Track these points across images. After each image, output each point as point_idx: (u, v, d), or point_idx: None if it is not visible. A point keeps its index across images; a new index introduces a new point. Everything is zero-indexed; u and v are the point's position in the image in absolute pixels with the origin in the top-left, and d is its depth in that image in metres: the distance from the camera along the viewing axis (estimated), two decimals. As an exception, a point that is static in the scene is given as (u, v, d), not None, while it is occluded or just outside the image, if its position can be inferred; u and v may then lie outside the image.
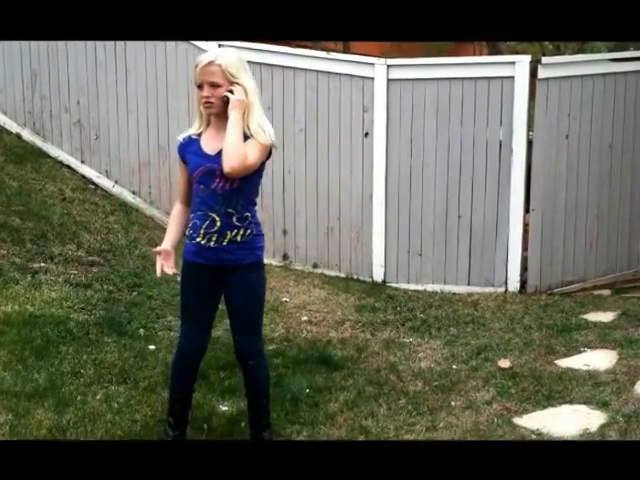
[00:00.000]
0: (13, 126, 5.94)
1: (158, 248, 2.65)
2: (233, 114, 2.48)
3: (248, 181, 2.54)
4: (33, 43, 5.76)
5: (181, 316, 2.71)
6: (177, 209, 2.70)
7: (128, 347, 3.54)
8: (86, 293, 4.06)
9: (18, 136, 5.89)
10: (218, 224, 2.52)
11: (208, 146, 2.54)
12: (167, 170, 5.43)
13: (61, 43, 5.67)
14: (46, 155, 5.79)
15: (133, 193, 5.68)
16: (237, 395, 3.12)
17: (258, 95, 2.57)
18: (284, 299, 4.57)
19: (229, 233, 2.53)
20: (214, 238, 2.54)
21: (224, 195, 2.51)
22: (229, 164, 2.45)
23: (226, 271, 2.57)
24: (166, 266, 2.61)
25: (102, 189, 5.68)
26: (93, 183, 5.72)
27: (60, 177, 5.59)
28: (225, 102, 2.49)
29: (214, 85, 2.49)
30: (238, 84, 2.49)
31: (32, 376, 3.14)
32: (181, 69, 5.32)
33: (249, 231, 2.57)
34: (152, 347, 3.58)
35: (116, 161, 5.69)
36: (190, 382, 2.74)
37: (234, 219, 2.53)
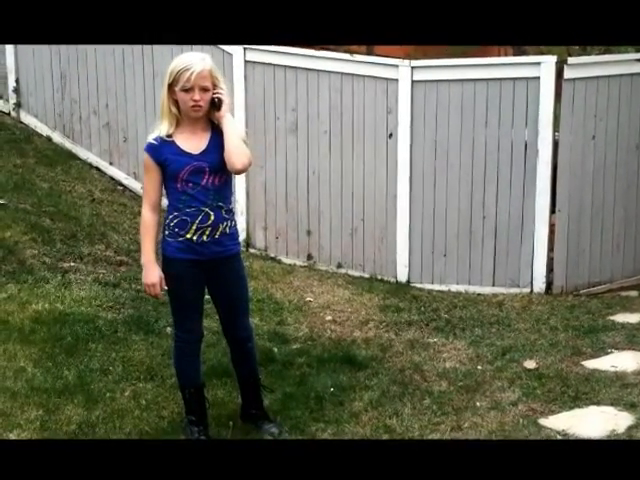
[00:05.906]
0: (44, 129, 6.07)
1: (158, 280, 2.70)
2: (229, 116, 2.65)
3: (229, 175, 2.70)
4: (62, 47, 5.88)
5: (180, 313, 2.77)
6: (151, 219, 2.72)
7: (155, 345, 3.60)
8: (114, 292, 4.13)
9: (48, 139, 6.03)
10: (212, 218, 2.65)
11: (188, 146, 2.64)
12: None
13: (90, 46, 5.78)
14: (75, 157, 5.91)
15: (160, 194, 5.76)
16: (262, 392, 3.14)
17: None
18: (308, 299, 4.60)
19: (221, 226, 2.67)
20: (207, 232, 2.65)
21: (214, 190, 2.65)
22: (241, 162, 2.62)
23: (217, 263, 2.69)
24: (163, 285, 2.72)
25: (130, 190, 5.77)
26: (121, 184, 5.82)
27: (89, 179, 5.71)
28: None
29: (205, 89, 2.59)
30: (221, 88, 2.64)
31: (62, 373, 3.22)
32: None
33: (233, 222, 2.74)
34: (179, 345, 3.64)
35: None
36: (200, 372, 2.85)
37: (223, 212, 2.68)
